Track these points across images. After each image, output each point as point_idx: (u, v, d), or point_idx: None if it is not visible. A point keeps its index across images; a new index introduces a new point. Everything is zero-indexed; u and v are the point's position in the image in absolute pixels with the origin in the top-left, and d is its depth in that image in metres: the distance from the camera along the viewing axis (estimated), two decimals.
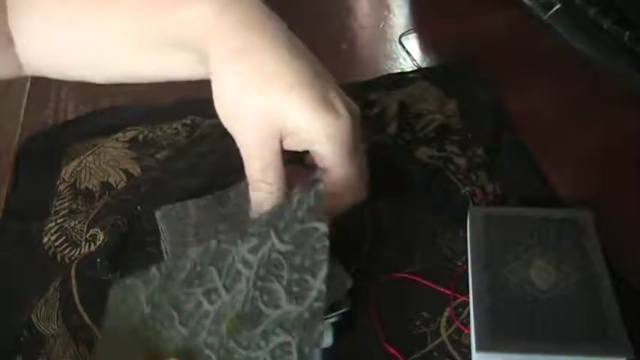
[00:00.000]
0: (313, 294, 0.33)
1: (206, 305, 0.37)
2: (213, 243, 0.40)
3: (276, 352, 0.33)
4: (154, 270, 0.45)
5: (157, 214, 0.66)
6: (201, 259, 0.40)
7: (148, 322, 0.41)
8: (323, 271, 0.34)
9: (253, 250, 0.37)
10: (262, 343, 0.33)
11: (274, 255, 0.36)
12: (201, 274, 0.39)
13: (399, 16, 1.04)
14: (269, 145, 0.47)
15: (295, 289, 0.34)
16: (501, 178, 0.73)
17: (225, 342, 0.35)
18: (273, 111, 0.46)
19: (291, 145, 0.48)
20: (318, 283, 0.33)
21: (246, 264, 0.37)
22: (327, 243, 0.35)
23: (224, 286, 0.37)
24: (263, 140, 0.47)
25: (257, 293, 0.35)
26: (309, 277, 0.34)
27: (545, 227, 0.63)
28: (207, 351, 0.36)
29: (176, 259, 0.43)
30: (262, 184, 0.45)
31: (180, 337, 0.38)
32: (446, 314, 0.61)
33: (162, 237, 0.64)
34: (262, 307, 0.34)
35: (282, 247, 0.36)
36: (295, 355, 0.32)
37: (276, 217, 0.38)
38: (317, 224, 0.35)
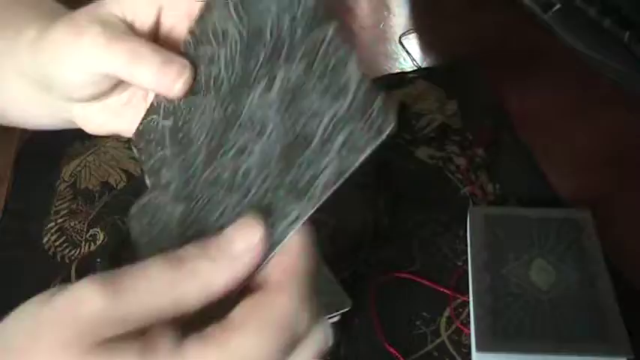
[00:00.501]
0: (352, 86, 0.31)
1: (244, 164, 0.34)
2: (218, 112, 0.37)
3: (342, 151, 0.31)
4: (165, 174, 0.41)
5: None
6: (214, 132, 0.37)
7: (188, 222, 0.37)
8: (352, 62, 0.31)
9: (266, 91, 0.34)
10: (327, 146, 0.31)
11: (292, 81, 0.34)
12: (221, 143, 0.36)
13: (399, 16, 1.04)
14: None
15: (329, 89, 0.31)
16: (501, 178, 0.73)
17: (279, 180, 0.33)
18: None
19: None
20: (351, 72, 0.31)
21: (265, 105, 0.35)
22: (339, 43, 0.32)
23: (254, 135, 0.35)
24: None
25: (291, 120, 0.33)
26: (340, 78, 0.31)
27: (545, 227, 0.63)
28: (268, 196, 0.33)
29: (182, 148, 0.40)
30: None
31: (232, 205, 0.35)
32: (446, 314, 0.61)
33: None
34: (302, 127, 0.32)
35: (296, 71, 0.33)
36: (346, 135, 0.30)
37: (277, 43, 0.35)
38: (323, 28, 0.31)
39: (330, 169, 0.30)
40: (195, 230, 0.36)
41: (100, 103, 0.43)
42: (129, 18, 0.40)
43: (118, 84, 0.42)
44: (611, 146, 0.76)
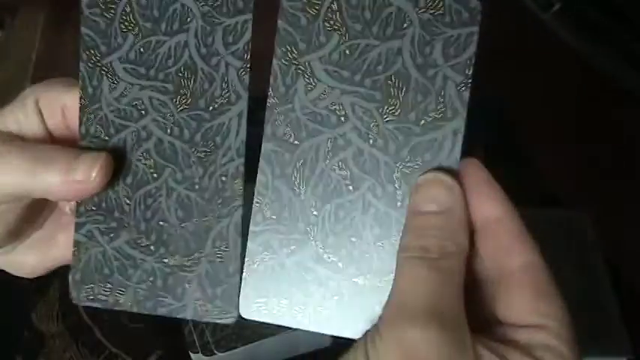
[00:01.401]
0: None
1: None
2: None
3: None
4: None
5: None
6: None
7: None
8: None
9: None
10: None
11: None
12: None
13: None
14: None
15: None
16: (501, 178, 0.73)
17: None
18: None
19: None
20: None
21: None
22: None
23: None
24: None
25: None
26: None
27: (545, 227, 0.63)
28: None
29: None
30: None
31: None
32: None
33: None
34: None
35: None
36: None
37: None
38: None
39: None
40: None
41: (22, 245, 0.39)
42: (14, 130, 0.36)
43: (28, 214, 0.37)
44: (611, 146, 0.76)
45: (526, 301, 0.28)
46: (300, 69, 0.32)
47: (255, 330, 0.57)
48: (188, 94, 0.34)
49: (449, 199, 0.29)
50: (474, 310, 0.28)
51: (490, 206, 0.29)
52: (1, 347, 0.62)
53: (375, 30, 0.31)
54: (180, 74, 0.34)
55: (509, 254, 0.29)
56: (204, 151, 0.34)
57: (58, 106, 0.36)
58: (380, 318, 0.27)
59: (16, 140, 0.36)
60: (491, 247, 0.29)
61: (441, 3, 0.31)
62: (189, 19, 0.33)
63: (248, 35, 0.33)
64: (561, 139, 0.78)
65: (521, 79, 0.86)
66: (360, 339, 0.27)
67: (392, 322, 0.26)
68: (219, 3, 0.33)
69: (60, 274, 0.68)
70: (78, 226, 0.36)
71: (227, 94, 0.33)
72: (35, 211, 0.39)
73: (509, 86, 0.84)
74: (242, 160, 0.33)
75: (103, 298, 0.36)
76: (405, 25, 0.31)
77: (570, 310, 0.57)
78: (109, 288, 0.36)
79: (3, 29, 1.15)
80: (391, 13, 0.31)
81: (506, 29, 0.95)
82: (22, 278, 0.67)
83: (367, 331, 0.27)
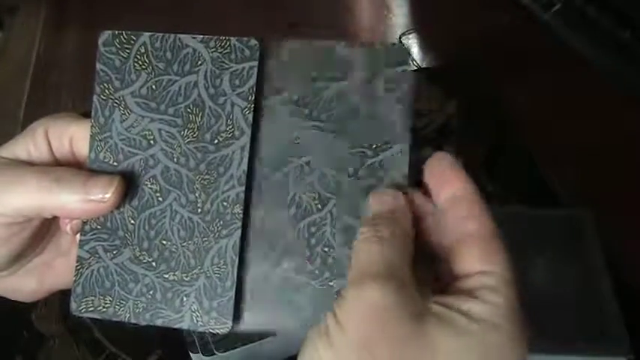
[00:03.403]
0: None
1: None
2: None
3: None
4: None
5: None
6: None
7: None
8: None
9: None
10: None
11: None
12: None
13: (399, 16, 1.04)
14: None
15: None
16: (501, 178, 0.73)
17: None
18: None
19: None
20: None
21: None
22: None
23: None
24: None
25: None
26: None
27: (545, 227, 0.63)
28: None
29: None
30: None
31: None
32: None
33: None
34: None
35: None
36: None
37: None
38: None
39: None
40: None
41: (22, 270, 0.40)
42: (23, 158, 0.38)
43: (30, 241, 0.39)
44: (611, 146, 0.76)
45: (474, 252, 0.33)
46: (115, 102, 0.38)
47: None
48: (195, 128, 0.37)
49: (395, 201, 0.34)
50: (440, 276, 0.33)
51: (452, 186, 0.34)
52: (1, 347, 0.62)
53: (175, 67, 0.37)
54: (188, 110, 0.37)
55: (465, 223, 0.34)
56: (208, 179, 0.37)
57: (66, 136, 0.39)
58: (344, 289, 0.31)
59: (28, 166, 0.38)
60: (451, 218, 0.34)
61: (228, 43, 0.37)
62: (199, 63, 0.37)
63: (253, 79, 0.37)
64: (561, 139, 0.78)
65: (522, 79, 0.86)
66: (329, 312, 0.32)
67: (355, 284, 0.31)
68: (227, 50, 0.37)
69: None
70: (82, 243, 0.38)
71: (231, 130, 0.37)
72: (39, 236, 0.40)
73: (510, 86, 0.84)
74: (243, 188, 0.37)
75: (102, 309, 0.38)
76: (199, 62, 0.37)
77: (569, 310, 0.57)
78: (109, 300, 0.38)
79: (3, 29, 1.15)
80: (187, 53, 0.37)
81: (507, 29, 0.95)
82: None
83: (334, 302, 0.31)
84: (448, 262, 0.33)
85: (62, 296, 0.65)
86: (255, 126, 0.37)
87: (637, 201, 0.70)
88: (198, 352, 0.56)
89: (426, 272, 0.33)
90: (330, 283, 0.36)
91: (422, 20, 1.02)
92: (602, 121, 0.79)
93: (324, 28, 1.00)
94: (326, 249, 0.37)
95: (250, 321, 0.37)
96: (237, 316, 0.37)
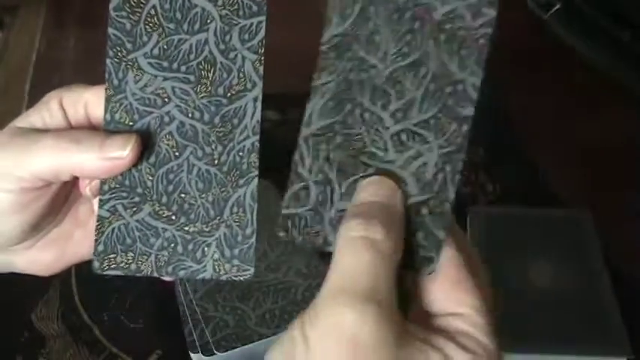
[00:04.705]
0: None
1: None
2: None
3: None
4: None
5: None
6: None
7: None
8: None
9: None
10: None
11: None
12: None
13: None
14: None
15: None
16: (501, 178, 0.73)
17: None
18: None
19: None
20: None
21: None
22: None
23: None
24: None
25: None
26: None
27: (545, 227, 0.63)
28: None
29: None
30: None
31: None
32: None
33: None
34: None
35: None
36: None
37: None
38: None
39: None
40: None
41: (41, 242, 0.41)
42: (39, 127, 0.39)
43: (47, 212, 0.39)
44: (612, 146, 0.76)
45: (445, 291, 0.31)
46: (129, 64, 0.38)
47: (255, 330, 0.57)
48: (208, 84, 0.38)
49: (392, 195, 0.32)
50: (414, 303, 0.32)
51: None
52: (1, 347, 0.62)
53: (185, 27, 0.38)
54: (200, 67, 0.38)
55: None
56: (223, 131, 0.38)
57: (80, 102, 0.39)
58: (319, 297, 0.28)
59: (44, 132, 0.38)
60: None
61: (235, 0, 0.37)
62: (209, 21, 0.38)
63: (262, 33, 0.38)
64: (561, 139, 0.78)
65: (522, 79, 0.86)
66: (298, 319, 0.28)
67: (331, 304, 0.27)
68: (236, 7, 0.38)
69: (60, 274, 0.68)
70: (102, 203, 0.39)
71: (243, 82, 0.38)
72: (56, 205, 0.40)
73: (510, 86, 0.84)
74: (257, 137, 0.38)
75: (125, 265, 0.38)
76: (208, 20, 0.38)
77: (569, 310, 0.57)
78: (131, 256, 0.39)
79: (3, 29, 1.15)
80: (197, 12, 0.38)
81: (507, 29, 0.95)
82: (22, 277, 0.67)
83: (306, 311, 0.28)
84: (422, 292, 0.32)
85: (62, 296, 0.65)
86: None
87: (637, 201, 0.70)
88: (198, 352, 0.56)
89: (407, 284, 0.32)
90: (186, 228, 0.38)
91: None
92: (602, 121, 0.79)
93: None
94: (183, 195, 0.38)
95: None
96: None
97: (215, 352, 0.56)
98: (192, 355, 0.57)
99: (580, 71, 0.85)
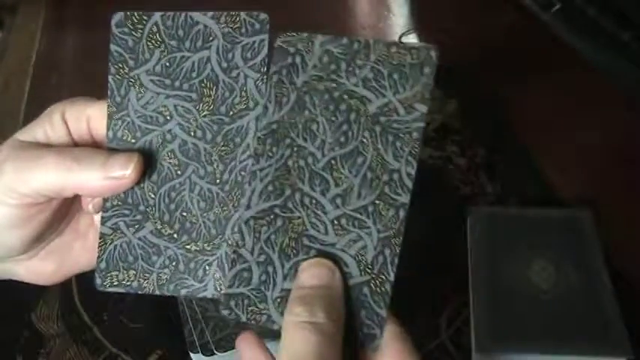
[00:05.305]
0: None
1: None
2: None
3: None
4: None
5: None
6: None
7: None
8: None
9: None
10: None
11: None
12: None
13: (399, 16, 1.04)
14: None
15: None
16: (501, 178, 0.73)
17: None
18: None
19: None
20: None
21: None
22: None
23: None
24: None
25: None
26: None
27: (545, 227, 0.63)
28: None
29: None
30: None
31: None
32: (446, 314, 0.61)
33: None
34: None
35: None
36: None
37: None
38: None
39: None
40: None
41: (43, 251, 0.41)
42: (42, 141, 0.39)
43: (48, 225, 0.39)
44: (611, 146, 0.76)
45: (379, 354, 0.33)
46: (131, 81, 0.38)
47: (255, 330, 0.57)
48: (210, 102, 0.38)
49: (331, 276, 0.33)
50: None
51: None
52: (1, 347, 0.62)
53: (187, 44, 0.38)
54: (203, 84, 0.38)
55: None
56: (225, 150, 0.38)
57: (83, 117, 0.39)
58: None
59: (47, 147, 0.38)
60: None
61: (238, 18, 0.37)
62: (211, 39, 0.38)
63: (265, 51, 0.37)
64: (561, 139, 0.78)
65: (522, 79, 0.86)
66: None
67: None
68: (238, 25, 0.38)
69: None
70: (104, 220, 0.39)
71: (245, 101, 0.37)
72: (57, 218, 0.40)
73: (510, 86, 0.84)
74: None
75: (127, 283, 0.39)
76: (210, 38, 0.38)
77: (569, 310, 0.57)
78: (133, 274, 0.39)
79: (3, 29, 1.15)
80: (199, 30, 0.38)
81: (507, 29, 0.95)
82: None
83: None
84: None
85: (62, 296, 0.65)
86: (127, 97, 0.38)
87: (637, 201, 0.70)
88: (198, 352, 0.56)
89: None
90: (188, 247, 0.38)
91: (422, 20, 1.02)
92: (602, 121, 0.79)
93: (324, 28, 1.00)
94: (184, 214, 0.38)
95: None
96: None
97: (215, 352, 0.56)
98: (192, 355, 0.57)
99: (580, 71, 0.85)
